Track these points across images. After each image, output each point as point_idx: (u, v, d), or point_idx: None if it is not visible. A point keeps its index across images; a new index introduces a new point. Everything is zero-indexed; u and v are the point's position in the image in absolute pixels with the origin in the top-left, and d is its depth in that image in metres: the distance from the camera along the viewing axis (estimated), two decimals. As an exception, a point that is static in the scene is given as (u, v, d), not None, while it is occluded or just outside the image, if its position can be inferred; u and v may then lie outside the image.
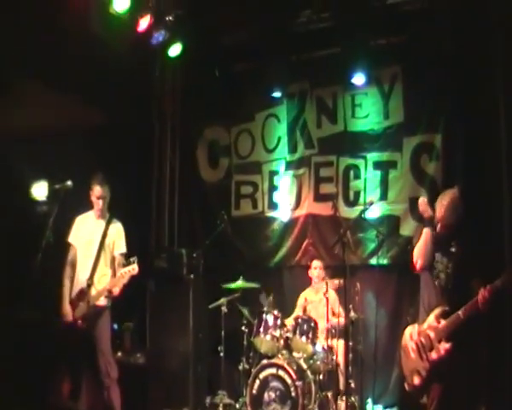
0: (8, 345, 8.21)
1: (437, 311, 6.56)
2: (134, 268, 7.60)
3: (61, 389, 7.98)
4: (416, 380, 6.63)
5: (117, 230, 8.12)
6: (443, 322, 6.45)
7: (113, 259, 8.02)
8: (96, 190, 8.00)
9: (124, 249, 8.09)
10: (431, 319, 6.57)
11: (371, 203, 7.06)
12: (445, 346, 6.38)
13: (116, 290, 7.70)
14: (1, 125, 9.52)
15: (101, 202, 8.01)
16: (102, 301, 7.80)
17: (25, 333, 8.16)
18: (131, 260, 7.65)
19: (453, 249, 6.61)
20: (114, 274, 7.88)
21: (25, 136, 9.87)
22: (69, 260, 8.01)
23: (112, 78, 9.77)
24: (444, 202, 6.71)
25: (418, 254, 6.77)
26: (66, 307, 7.75)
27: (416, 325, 6.80)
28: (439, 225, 6.77)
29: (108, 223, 8.08)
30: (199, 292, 9.84)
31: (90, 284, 7.68)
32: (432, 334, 6.51)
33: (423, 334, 6.58)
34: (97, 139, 10.30)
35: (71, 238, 8.06)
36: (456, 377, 6.42)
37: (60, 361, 8.10)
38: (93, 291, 7.71)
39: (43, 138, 9.96)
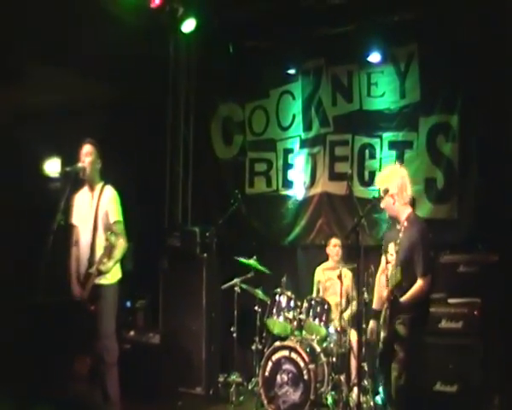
0: (21, 329, 8.21)
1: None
2: (108, 239, 7.19)
3: (76, 371, 7.90)
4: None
5: (109, 197, 7.62)
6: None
7: (109, 230, 7.39)
8: (84, 148, 7.59)
9: (116, 217, 7.54)
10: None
11: (387, 191, 6.97)
12: (382, 335, 6.95)
13: (107, 267, 7.31)
14: (14, 103, 9.51)
15: (87, 159, 7.54)
16: (104, 280, 7.42)
17: (38, 317, 8.12)
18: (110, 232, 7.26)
19: (398, 240, 6.74)
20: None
21: (39, 113, 9.85)
22: (74, 240, 7.69)
23: (126, 54, 9.69)
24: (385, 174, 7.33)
25: None
26: (76, 289, 7.48)
27: None
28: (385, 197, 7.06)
29: (101, 193, 7.61)
30: (212, 271, 9.83)
31: (91, 263, 7.36)
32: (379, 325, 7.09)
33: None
34: (111, 116, 10.26)
35: (73, 219, 7.69)
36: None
37: (74, 343, 7.98)
38: (92, 270, 7.30)
39: (56, 115, 9.92)
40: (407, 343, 6.71)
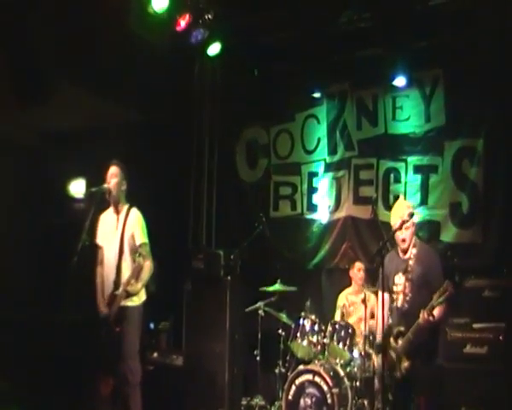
0: (45, 347, 8.24)
1: (394, 332, 6.99)
2: (137, 260, 7.25)
3: (98, 391, 7.86)
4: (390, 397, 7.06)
5: (135, 220, 7.62)
6: (399, 342, 6.88)
7: (135, 252, 7.42)
8: (110, 170, 7.61)
9: (142, 239, 7.55)
10: (391, 340, 6.97)
11: (412, 215, 6.98)
12: (404, 364, 6.79)
13: (135, 289, 7.36)
14: (41, 124, 9.59)
15: (113, 181, 7.55)
16: (130, 302, 7.43)
17: (62, 335, 8.13)
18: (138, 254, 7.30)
19: (409, 268, 6.92)
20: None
21: (63, 135, 9.92)
22: (99, 260, 7.71)
23: (150, 77, 9.76)
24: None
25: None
26: (101, 310, 7.47)
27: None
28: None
29: (126, 215, 7.62)
30: (236, 294, 9.83)
31: (116, 285, 7.36)
32: (393, 354, 6.92)
33: (388, 356, 6.94)
34: (135, 138, 10.32)
35: (97, 239, 7.72)
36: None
37: (97, 362, 7.95)
38: (119, 292, 7.31)
39: (80, 137, 9.99)
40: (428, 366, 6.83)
